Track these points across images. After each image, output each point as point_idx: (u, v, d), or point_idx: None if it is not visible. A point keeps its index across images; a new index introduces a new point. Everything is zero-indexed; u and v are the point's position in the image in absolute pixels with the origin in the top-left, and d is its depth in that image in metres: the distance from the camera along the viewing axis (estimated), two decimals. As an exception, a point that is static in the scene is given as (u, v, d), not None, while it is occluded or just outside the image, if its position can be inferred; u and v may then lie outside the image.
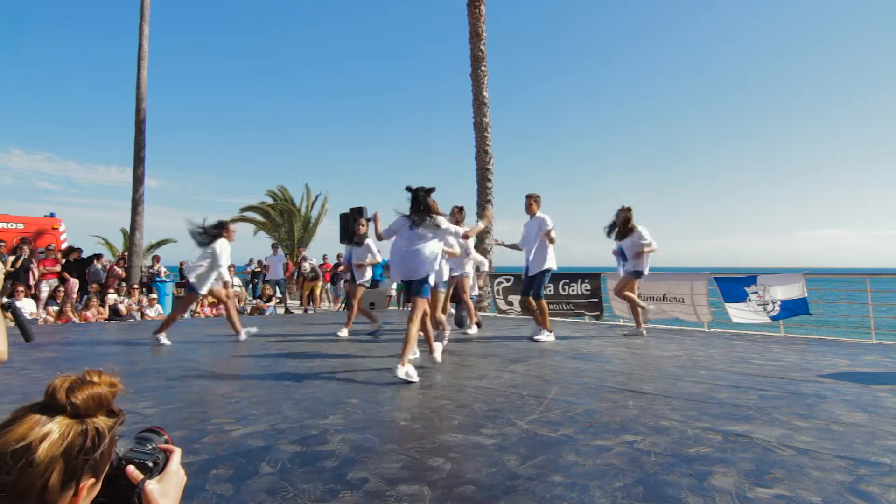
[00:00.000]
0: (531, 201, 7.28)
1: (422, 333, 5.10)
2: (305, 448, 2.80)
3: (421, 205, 4.92)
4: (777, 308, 8.09)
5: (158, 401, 3.86)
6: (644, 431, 3.07)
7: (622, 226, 7.42)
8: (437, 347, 5.37)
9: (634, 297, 7.49)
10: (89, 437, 0.82)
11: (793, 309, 8.00)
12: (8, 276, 10.82)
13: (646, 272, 7.45)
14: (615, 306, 9.71)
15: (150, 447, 0.98)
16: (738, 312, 8.42)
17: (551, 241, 7.08)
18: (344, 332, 7.67)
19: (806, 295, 7.90)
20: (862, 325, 8.15)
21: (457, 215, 7.23)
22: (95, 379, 0.87)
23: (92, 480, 0.84)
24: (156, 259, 14.21)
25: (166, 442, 1.02)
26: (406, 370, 4.49)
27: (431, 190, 5.01)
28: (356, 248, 8.05)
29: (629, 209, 7.43)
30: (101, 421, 0.85)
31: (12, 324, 2.14)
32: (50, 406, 0.82)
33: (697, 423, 3.22)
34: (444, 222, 4.97)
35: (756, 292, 8.29)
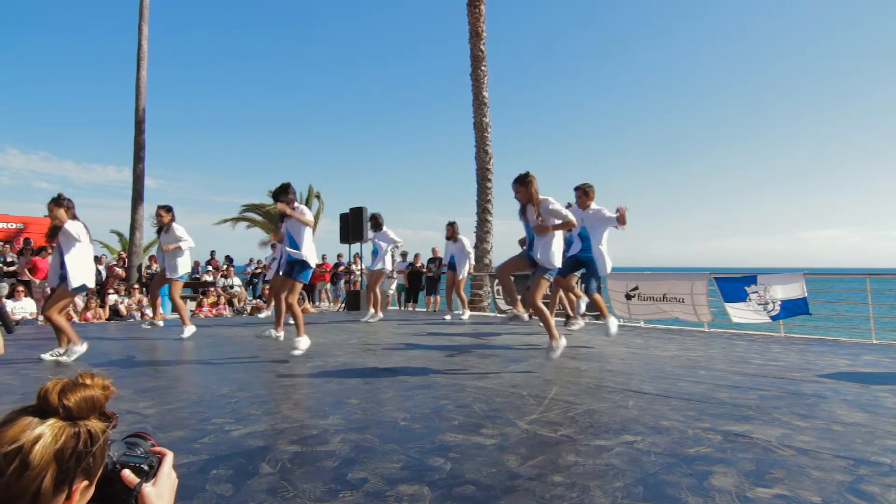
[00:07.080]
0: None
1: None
2: (305, 448, 2.80)
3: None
4: (777, 308, 8.09)
5: (158, 401, 3.86)
6: (644, 431, 3.07)
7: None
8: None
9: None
10: (82, 440, 0.82)
11: (793, 309, 8.00)
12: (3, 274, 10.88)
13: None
14: (615, 306, 9.70)
15: (141, 451, 0.99)
16: (738, 312, 8.41)
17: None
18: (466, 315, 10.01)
19: (806, 295, 7.90)
20: (862, 325, 8.15)
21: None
22: (88, 381, 0.87)
23: (85, 483, 0.84)
24: (153, 259, 14.19)
25: (153, 446, 1.02)
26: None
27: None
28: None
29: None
30: (94, 424, 0.85)
31: None
32: (42, 408, 0.82)
33: (697, 423, 3.22)
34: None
35: (756, 292, 8.29)
